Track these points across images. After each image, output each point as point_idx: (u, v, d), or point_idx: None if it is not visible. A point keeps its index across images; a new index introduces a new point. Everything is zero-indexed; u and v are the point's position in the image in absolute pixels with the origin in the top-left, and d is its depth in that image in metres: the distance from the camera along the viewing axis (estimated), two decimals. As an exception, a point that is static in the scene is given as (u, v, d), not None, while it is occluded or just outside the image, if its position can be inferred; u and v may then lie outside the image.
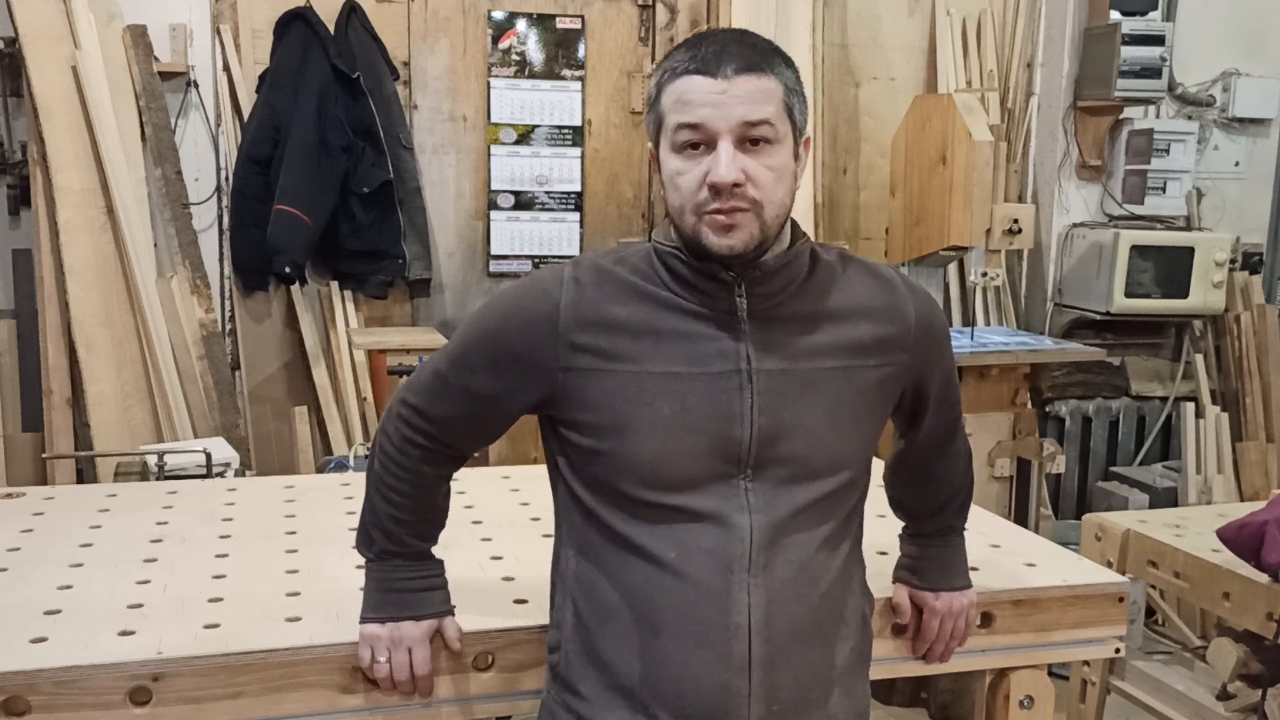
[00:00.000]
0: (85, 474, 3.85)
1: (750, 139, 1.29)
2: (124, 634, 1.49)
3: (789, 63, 1.35)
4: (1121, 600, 1.80)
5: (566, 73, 4.54)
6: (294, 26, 4.05)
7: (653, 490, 1.35)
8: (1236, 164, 4.88)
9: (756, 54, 1.31)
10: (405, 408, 1.51)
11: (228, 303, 4.21)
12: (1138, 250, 4.43)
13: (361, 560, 1.75)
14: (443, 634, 1.52)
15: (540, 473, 2.39)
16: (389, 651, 1.48)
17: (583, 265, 1.41)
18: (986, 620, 1.73)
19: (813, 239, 1.45)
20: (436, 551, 1.56)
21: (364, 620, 1.49)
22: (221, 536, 1.92)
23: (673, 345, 1.35)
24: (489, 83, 4.47)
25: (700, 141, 1.29)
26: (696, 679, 1.33)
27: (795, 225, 1.42)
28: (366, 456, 2.79)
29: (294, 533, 1.94)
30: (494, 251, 4.57)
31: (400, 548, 1.50)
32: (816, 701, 1.41)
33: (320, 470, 3.31)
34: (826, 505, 1.40)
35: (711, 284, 1.35)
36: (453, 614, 1.54)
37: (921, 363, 1.49)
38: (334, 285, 4.24)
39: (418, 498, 1.50)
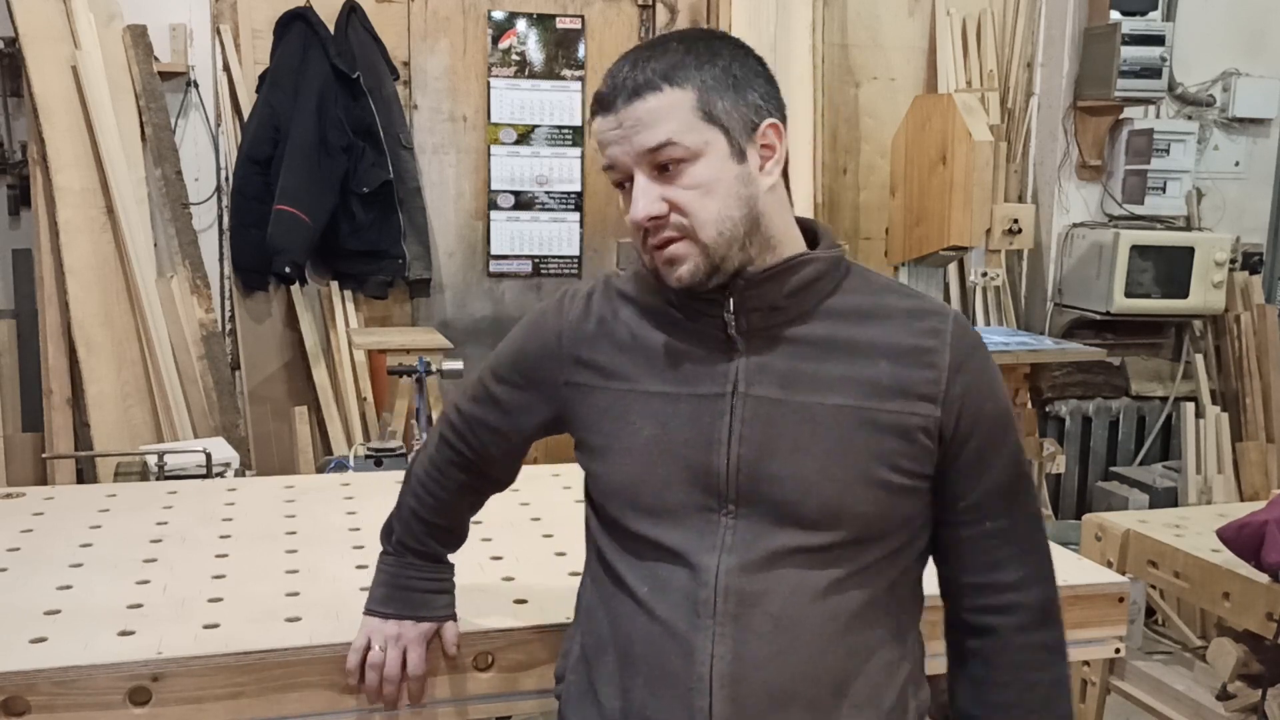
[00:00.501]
0: (85, 474, 3.85)
1: (660, 164, 1.19)
2: (124, 634, 1.49)
3: (710, 60, 1.20)
4: (1121, 600, 1.80)
5: (566, 73, 4.54)
6: (294, 26, 4.05)
7: (633, 518, 1.29)
8: (1236, 164, 4.88)
9: (649, 72, 1.19)
10: (451, 406, 1.52)
11: (228, 303, 4.21)
12: (1138, 250, 4.43)
13: (361, 560, 1.75)
14: (441, 636, 1.52)
15: (540, 473, 2.40)
16: (386, 646, 1.47)
17: (604, 278, 1.39)
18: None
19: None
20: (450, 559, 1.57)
21: (368, 612, 1.50)
22: (221, 536, 1.92)
23: (665, 364, 1.28)
24: (489, 83, 4.47)
25: (623, 180, 1.23)
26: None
27: (821, 234, 1.29)
28: (368, 456, 2.79)
29: (294, 533, 1.94)
30: (494, 251, 4.57)
31: (417, 545, 1.51)
32: None
33: (320, 470, 3.31)
34: (824, 556, 1.23)
35: (701, 299, 1.25)
36: (454, 619, 1.54)
37: (954, 426, 1.25)
38: (334, 285, 4.24)
39: (443, 500, 1.50)
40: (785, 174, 1.28)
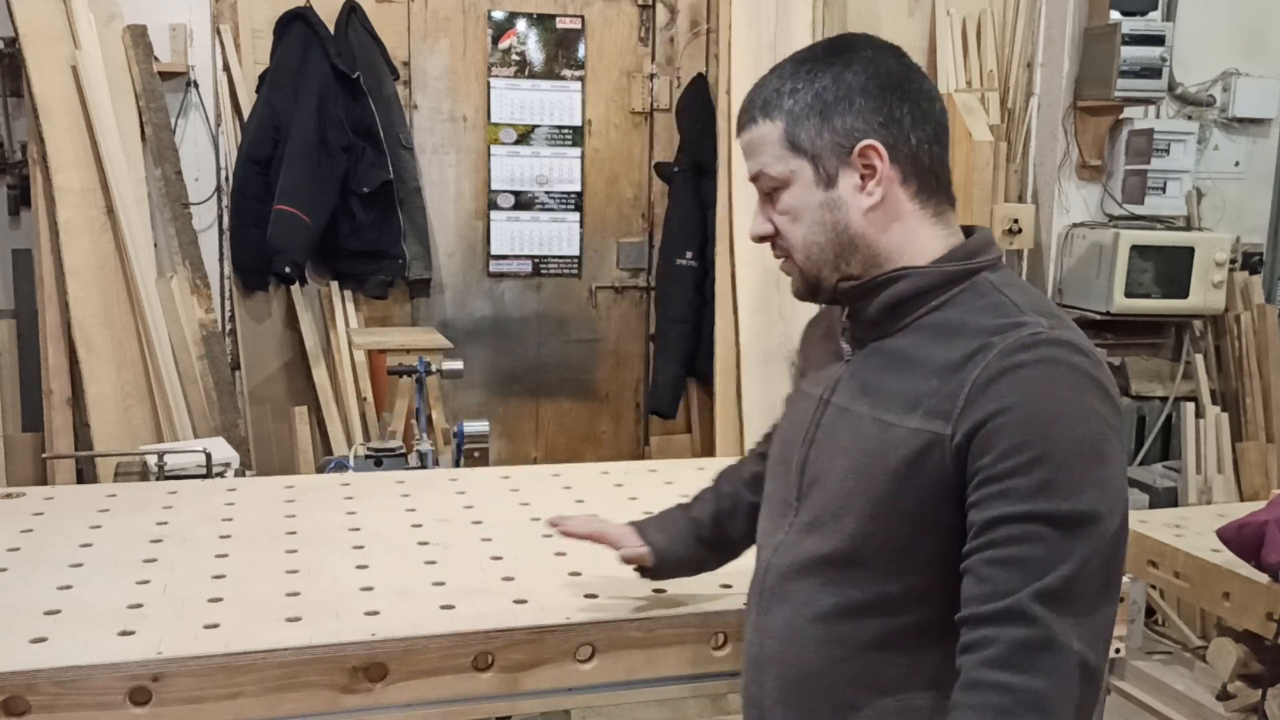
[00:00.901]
0: (85, 474, 3.85)
1: (764, 190, 1.29)
2: (124, 634, 1.49)
3: (807, 84, 1.23)
4: (1121, 600, 1.80)
5: (566, 73, 4.54)
6: (294, 26, 4.05)
7: (762, 500, 1.42)
8: (1236, 164, 4.87)
9: (752, 103, 1.28)
10: None
11: (228, 303, 4.21)
12: (1138, 250, 4.43)
13: (361, 560, 1.77)
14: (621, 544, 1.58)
15: (540, 473, 2.39)
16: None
17: None
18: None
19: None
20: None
21: None
22: (221, 536, 1.91)
23: (813, 364, 1.39)
24: (489, 83, 4.47)
25: None
26: (741, 693, 1.40)
27: (966, 248, 1.25)
28: (368, 456, 2.79)
29: (294, 533, 1.94)
30: (494, 251, 4.57)
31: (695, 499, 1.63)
32: None
33: (320, 470, 3.31)
34: (840, 575, 1.22)
35: (841, 307, 1.34)
36: (652, 569, 1.59)
37: (966, 446, 1.13)
38: (334, 285, 4.25)
39: (740, 476, 1.60)
40: (938, 184, 1.26)
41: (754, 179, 1.29)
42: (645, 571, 1.60)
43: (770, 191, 1.27)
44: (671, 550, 1.59)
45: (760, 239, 1.30)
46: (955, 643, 1.13)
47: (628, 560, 1.58)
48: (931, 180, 1.25)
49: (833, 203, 1.24)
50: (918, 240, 1.25)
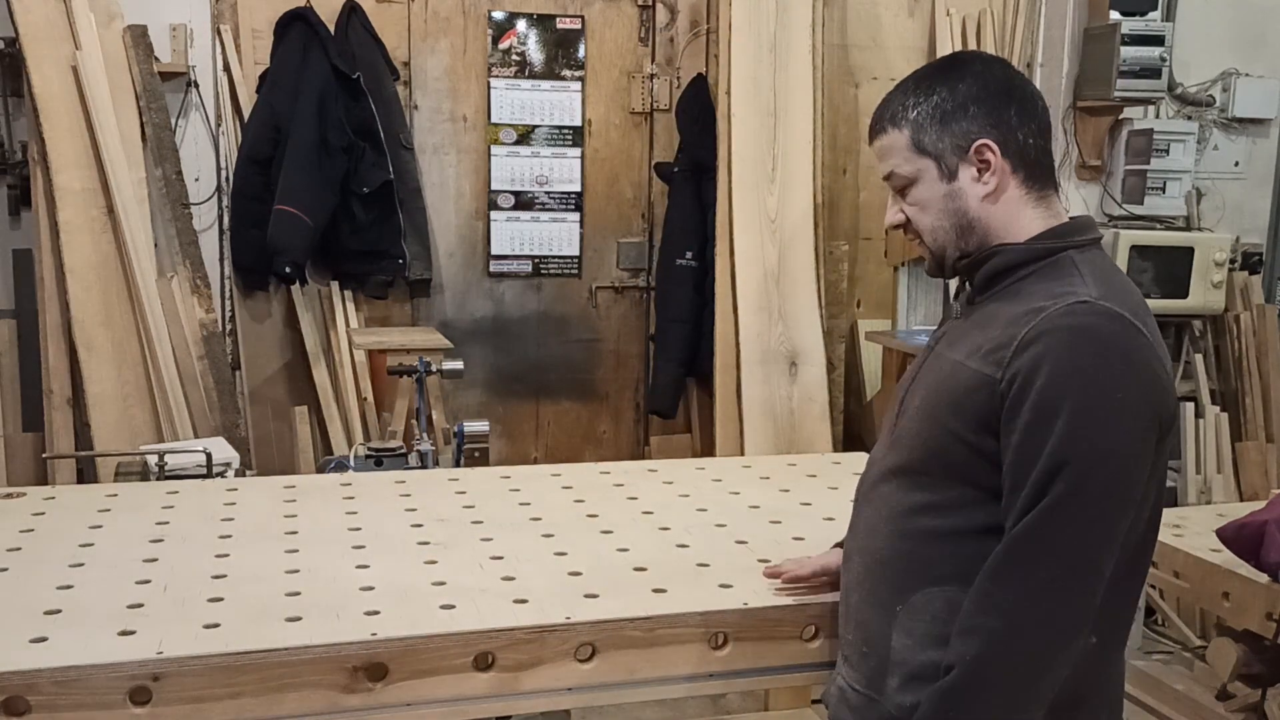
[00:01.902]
0: (85, 474, 3.85)
1: (896, 187, 1.54)
2: (124, 634, 1.49)
3: (926, 96, 1.49)
4: (1121, 600, 1.80)
5: (566, 73, 4.54)
6: (294, 27, 4.05)
7: None
8: (1236, 164, 4.88)
9: (881, 114, 1.54)
10: None
11: (228, 303, 4.21)
12: (1137, 250, 4.43)
13: (361, 560, 1.76)
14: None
15: (540, 472, 2.40)
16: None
17: None
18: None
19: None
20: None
21: None
22: (221, 536, 1.92)
23: (941, 325, 1.62)
24: (489, 83, 4.47)
25: None
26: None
27: (1056, 231, 1.47)
28: (368, 456, 2.79)
29: (294, 533, 1.94)
30: (494, 251, 4.57)
31: None
32: (875, 668, 1.50)
33: (320, 470, 3.31)
34: (910, 481, 1.48)
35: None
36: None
37: (1006, 393, 1.36)
38: (334, 285, 4.25)
39: None
40: (1042, 172, 1.50)
41: (886, 178, 1.54)
42: None
43: (901, 188, 1.52)
44: None
45: (895, 227, 1.56)
46: (993, 547, 1.36)
47: None
48: (1037, 169, 1.49)
49: (954, 193, 1.49)
50: (1020, 220, 1.48)
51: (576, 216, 4.63)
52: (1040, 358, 1.33)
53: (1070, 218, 1.52)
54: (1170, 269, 4.48)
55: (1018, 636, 1.33)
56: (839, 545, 1.72)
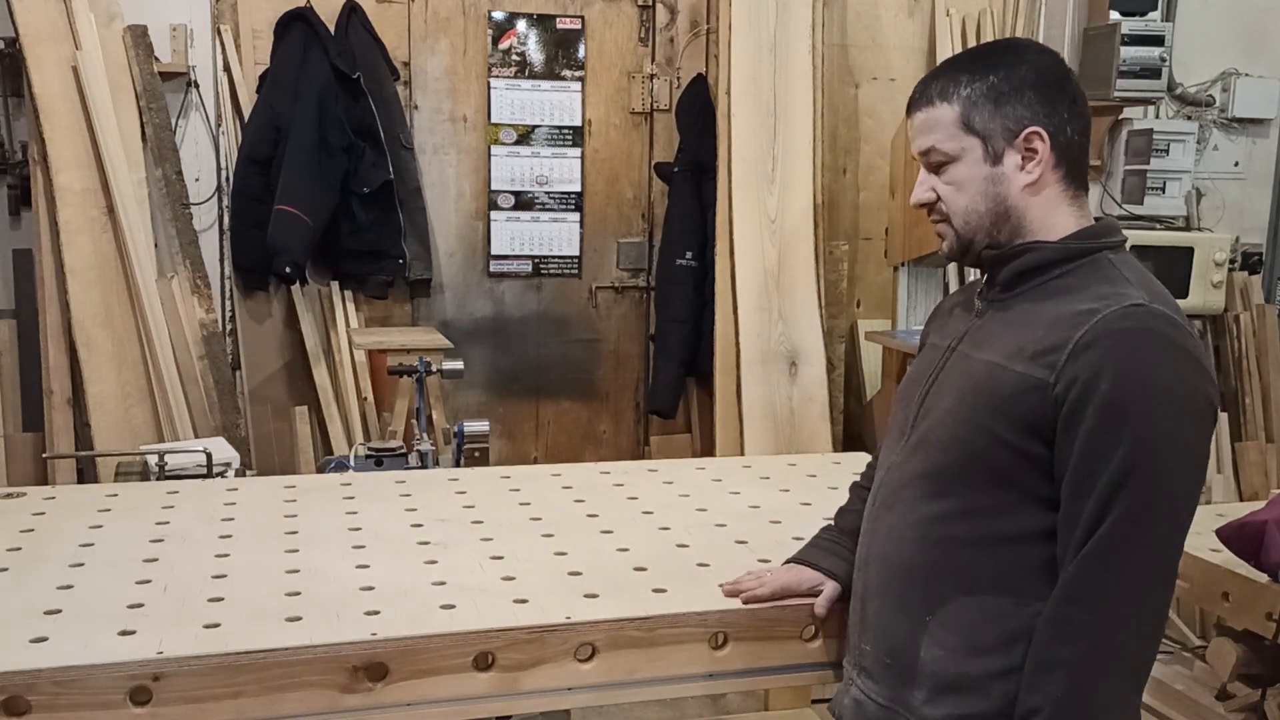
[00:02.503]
0: (85, 474, 3.85)
1: (932, 163, 1.48)
2: (124, 634, 1.49)
3: (983, 75, 1.43)
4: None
5: (566, 73, 4.54)
6: (294, 27, 4.05)
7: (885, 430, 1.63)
8: (1236, 164, 4.88)
9: (930, 88, 1.47)
10: None
11: (228, 303, 4.21)
12: (1137, 250, 4.38)
13: (362, 560, 1.77)
14: (821, 588, 1.66)
15: (540, 472, 2.40)
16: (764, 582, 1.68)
17: None
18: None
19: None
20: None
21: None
22: (221, 536, 1.92)
23: (946, 323, 1.59)
24: (489, 83, 4.47)
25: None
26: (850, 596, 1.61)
27: (1092, 230, 1.44)
28: (368, 456, 2.79)
29: (294, 533, 1.94)
30: (494, 251, 4.57)
31: (840, 513, 1.76)
32: (900, 679, 1.46)
33: (320, 470, 3.31)
34: (940, 485, 1.43)
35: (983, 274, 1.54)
36: (838, 585, 1.66)
37: (1063, 397, 1.32)
38: (334, 285, 4.25)
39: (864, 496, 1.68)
40: (1080, 172, 1.47)
41: (924, 153, 1.48)
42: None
43: (938, 165, 1.46)
44: (851, 566, 1.64)
45: (921, 205, 1.50)
46: (1034, 554, 1.37)
47: (826, 605, 1.65)
48: (1076, 169, 1.46)
49: (996, 177, 1.44)
50: (1055, 217, 1.45)
51: (576, 216, 4.63)
52: (1101, 362, 1.30)
53: (1095, 218, 1.48)
54: (1170, 269, 4.48)
55: (1113, 657, 1.29)
56: (801, 562, 1.70)
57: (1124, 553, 1.29)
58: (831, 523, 1.77)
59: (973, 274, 4.18)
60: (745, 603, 1.65)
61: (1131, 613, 1.29)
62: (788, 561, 1.73)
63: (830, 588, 1.65)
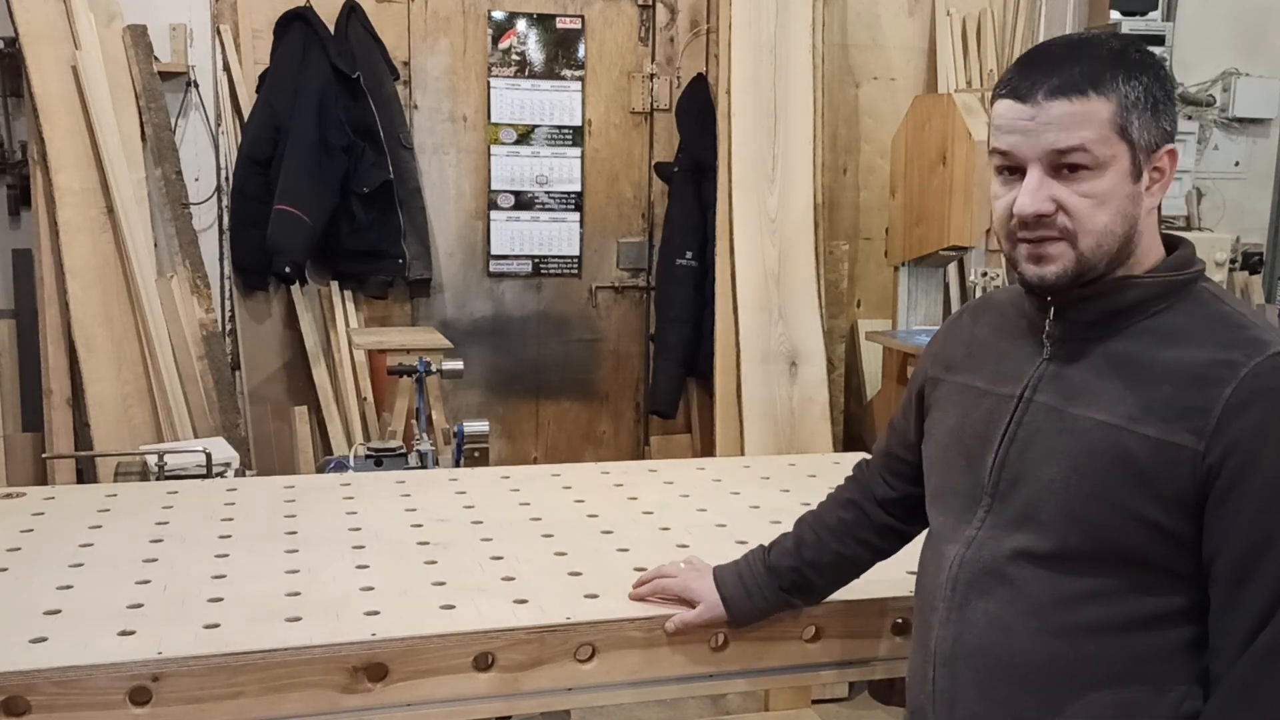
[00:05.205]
0: (85, 474, 3.85)
1: (1064, 165, 1.21)
2: (124, 634, 1.49)
3: (1138, 71, 1.21)
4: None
5: (566, 73, 4.54)
6: (294, 26, 4.05)
7: (929, 497, 1.42)
8: (1236, 164, 4.88)
9: (1079, 73, 1.20)
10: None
11: (228, 303, 4.21)
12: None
13: (361, 561, 1.76)
14: (693, 605, 1.58)
15: (540, 473, 2.39)
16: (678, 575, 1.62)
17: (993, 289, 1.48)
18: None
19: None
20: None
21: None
22: (221, 536, 1.92)
23: (988, 361, 1.36)
24: (489, 83, 4.47)
25: (1011, 167, 1.25)
26: (911, 683, 1.41)
27: (1177, 255, 1.27)
28: (368, 456, 2.78)
29: (294, 533, 1.94)
30: (494, 251, 4.57)
31: (774, 544, 1.63)
32: None
33: (320, 470, 3.31)
34: (1057, 566, 1.23)
35: (1032, 303, 1.32)
36: (728, 621, 1.59)
37: (1219, 467, 1.15)
38: (334, 285, 4.24)
39: (824, 523, 1.61)
40: None
41: (1062, 152, 1.20)
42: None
43: (1072, 169, 1.20)
44: (749, 602, 1.59)
45: (1036, 216, 1.22)
46: (1173, 636, 1.20)
47: (678, 625, 1.59)
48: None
49: (1137, 196, 1.23)
50: (1154, 246, 1.27)
51: (576, 216, 4.63)
52: (1263, 426, 1.13)
53: (1165, 235, 1.30)
54: (1170, 269, 4.47)
55: None
56: (717, 571, 1.61)
57: None
58: (765, 549, 1.63)
59: (971, 276, 4.18)
60: (650, 592, 1.62)
61: None
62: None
63: (700, 611, 1.57)
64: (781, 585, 1.59)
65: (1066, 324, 1.28)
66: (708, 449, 4.43)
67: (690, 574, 1.62)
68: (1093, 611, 1.22)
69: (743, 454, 3.86)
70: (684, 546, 1.91)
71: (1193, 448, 1.16)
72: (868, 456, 1.68)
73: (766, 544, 1.64)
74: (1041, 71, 1.21)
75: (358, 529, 1.96)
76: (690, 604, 1.59)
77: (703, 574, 1.62)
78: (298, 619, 1.55)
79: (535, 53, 4.50)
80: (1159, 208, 1.29)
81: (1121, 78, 1.20)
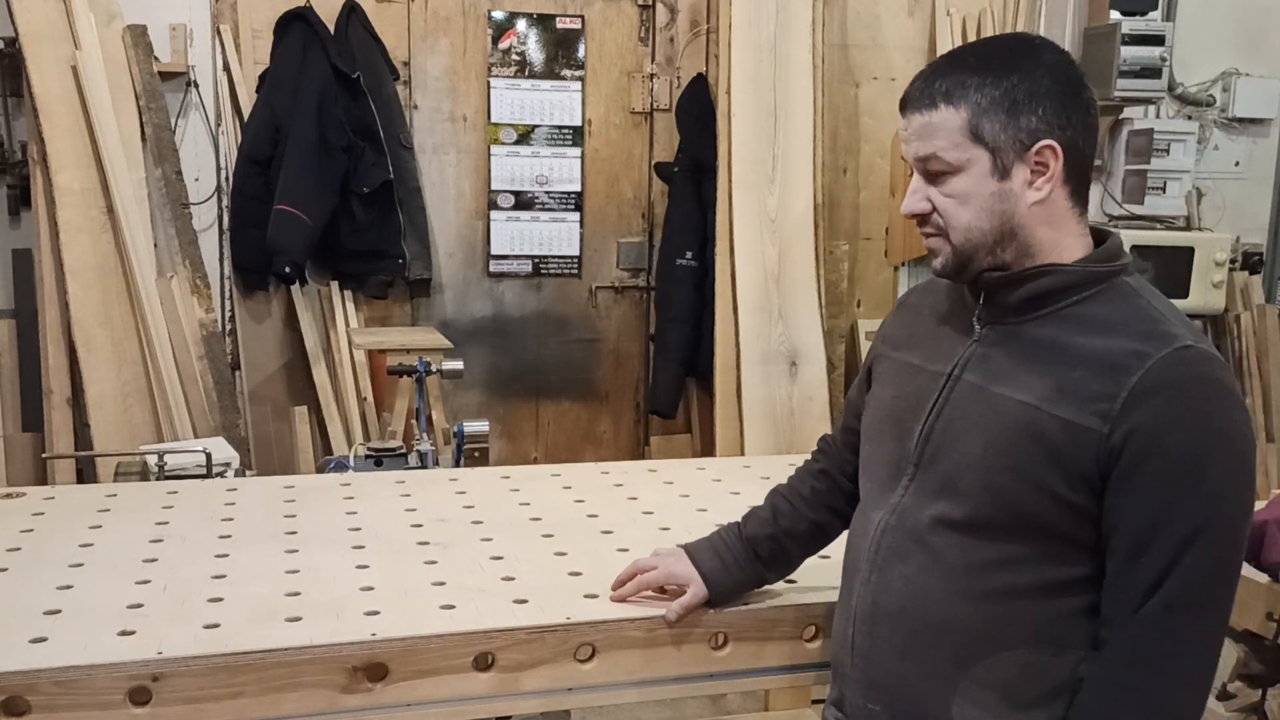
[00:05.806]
0: (85, 474, 3.85)
1: (928, 170, 1.35)
2: (124, 634, 1.49)
3: (997, 79, 1.29)
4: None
5: (566, 73, 4.54)
6: (294, 26, 4.05)
7: (862, 460, 1.52)
8: (1236, 164, 4.88)
9: (934, 87, 1.33)
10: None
11: (228, 303, 4.21)
12: (1138, 250, 4.43)
13: (361, 560, 1.76)
14: (684, 589, 1.59)
15: (540, 473, 2.39)
16: (657, 565, 1.62)
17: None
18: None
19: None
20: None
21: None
22: (221, 536, 1.92)
23: (925, 340, 1.46)
24: (489, 83, 4.47)
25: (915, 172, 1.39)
26: (834, 641, 1.52)
27: (1103, 249, 1.35)
28: (368, 456, 2.79)
29: (294, 533, 1.94)
30: (494, 251, 4.57)
31: (748, 516, 1.67)
32: None
33: (320, 470, 3.31)
34: (972, 534, 1.32)
35: (967, 288, 1.41)
36: (709, 599, 1.59)
37: (1120, 449, 1.23)
38: (334, 285, 4.24)
39: (798, 493, 1.66)
40: (1085, 187, 1.37)
41: (922, 160, 1.34)
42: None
43: (937, 174, 1.34)
44: (727, 575, 1.61)
45: (914, 216, 1.37)
46: (1075, 602, 1.30)
47: (678, 613, 1.58)
48: (1082, 184, 1.36)
49: (1004, 194, 1.32)
50: (1067, 238, 1.35)
51: (576, 216, 4.63)
52: (1165, 414, 1.22)
53: (1092, 230, 1.38)
54: (1170, 269, 4.47)
55: None
56: (688, 548, 1.63)
57: (1192, 613, 1.23)
58: (739, 523, 1.67)
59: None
60: (632, 588, 1.62)
61: (1196, 676, 1.25)
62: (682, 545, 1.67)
63: (693, 592, 1.59)
64: (759, 554, 1.62)
65: (993, 308, 1.37)
66: (708, 449, 4.43)
67: (666, 560, 1.63)
68: (1003, 577, 1.31)
69: (743, 454, 3.86)
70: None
71: (1098, 430, 1.24)
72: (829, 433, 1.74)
73: (739, 520, 1.67)
74: (914, 86, 1.36)
75: (358, 529, 1.96)
76: (678, 590, 1.60)
77: (679, 557, 1.63)
78: (298, 619, 1.55)
79: (535, 53, 4.50)
80: (1081, 199, 1.36)
81: (975, 84, 1.30)
